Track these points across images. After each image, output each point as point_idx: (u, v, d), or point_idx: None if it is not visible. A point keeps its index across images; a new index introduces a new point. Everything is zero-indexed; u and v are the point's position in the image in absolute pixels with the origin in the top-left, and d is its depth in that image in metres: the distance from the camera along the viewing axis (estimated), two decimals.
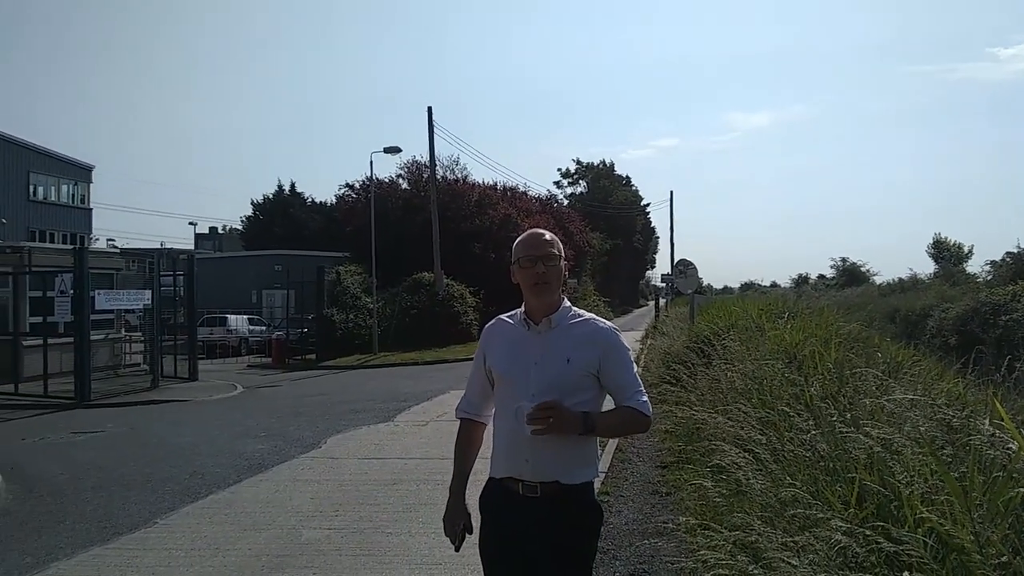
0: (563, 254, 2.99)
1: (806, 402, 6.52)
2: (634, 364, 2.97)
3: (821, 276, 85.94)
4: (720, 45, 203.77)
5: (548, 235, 2.99)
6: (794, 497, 4.53)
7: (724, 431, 6.55)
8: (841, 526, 3.84)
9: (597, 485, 7.76)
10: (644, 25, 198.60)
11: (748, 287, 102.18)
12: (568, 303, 3.00)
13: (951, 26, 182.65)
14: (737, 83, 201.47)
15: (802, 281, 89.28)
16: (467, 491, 3.11)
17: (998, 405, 4.27)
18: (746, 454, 5.57)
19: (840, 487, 4.54)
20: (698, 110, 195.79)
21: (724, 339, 11.46)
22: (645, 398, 2.88)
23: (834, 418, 5.23)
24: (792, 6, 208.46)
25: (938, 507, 3.53)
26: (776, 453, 5.50)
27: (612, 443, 10.06)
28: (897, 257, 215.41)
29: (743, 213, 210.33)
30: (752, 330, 11.84)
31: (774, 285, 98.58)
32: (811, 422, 5.46)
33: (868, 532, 3.58)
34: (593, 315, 3.01)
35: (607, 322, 3.00)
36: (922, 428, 4.61)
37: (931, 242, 63.92)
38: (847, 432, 4.74)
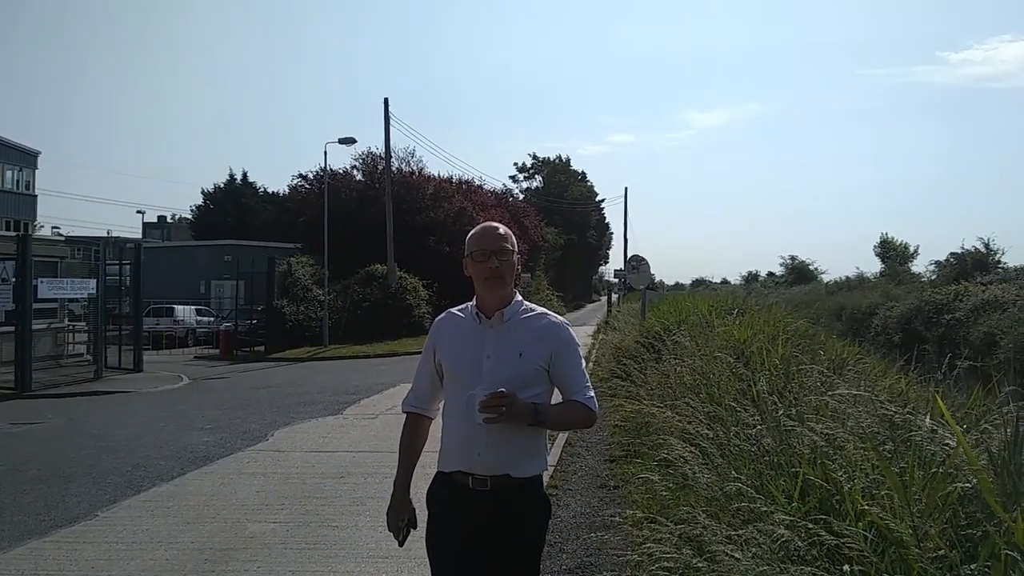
0: (516, 248, 2.97)
1: (753, 398, 6.59)
2: (583, 360, 2.96)
3: (771, 274, 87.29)
4: (676, 43, 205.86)
5: (502, 229, 2.96)
6: (739, 491, 4.57)
7: (672, 426, 6.60)
8: (784, 519, 3.88)
9: (546, 479, 7.77)
10: (602, 23, 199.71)
11: (699, 284, 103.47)
12: (520, 297, 2.99)
13: (905, 30, 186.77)
14: (693, 81, 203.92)
15: (752, 278, 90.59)
16: (412, 485, 3.08)
17: (940, 401, 4.37)
18: (693, 448, 5.61)
19: (784, 481, 4.60)
20: (654, 107, 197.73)
21: (674, 335, 11.56)
22: (592, 394, 2.90)
23: (780, 413, 5.30)
24: (749, 7, 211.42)
25: (879, 501, 3.59)
26: (722, 448, 5.55)
27: (562, 437, 10.08)
28: (845, 256, 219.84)
29: (696, 210, 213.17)
30: (702, 326, 11.97)
31: (724, 282, 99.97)
32: (757, 417, 5.53)
33: (810, 525, 3.63)
34: (545, 309, 3.00)
35: (559, 317, 3.00)
36: (864, 424, 4.68)
37: (878, 241, 65.15)
38: (792, 427, 4.80)
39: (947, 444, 3.84)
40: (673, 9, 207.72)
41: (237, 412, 13.50)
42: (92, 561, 5.84)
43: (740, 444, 5.33)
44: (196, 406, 14.62)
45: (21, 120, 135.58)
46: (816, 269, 74.91)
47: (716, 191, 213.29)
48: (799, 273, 74.15)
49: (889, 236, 64.64)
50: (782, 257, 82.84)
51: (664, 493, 5.42)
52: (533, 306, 2.99)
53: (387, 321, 31.80)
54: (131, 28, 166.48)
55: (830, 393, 5.50)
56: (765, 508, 4.14)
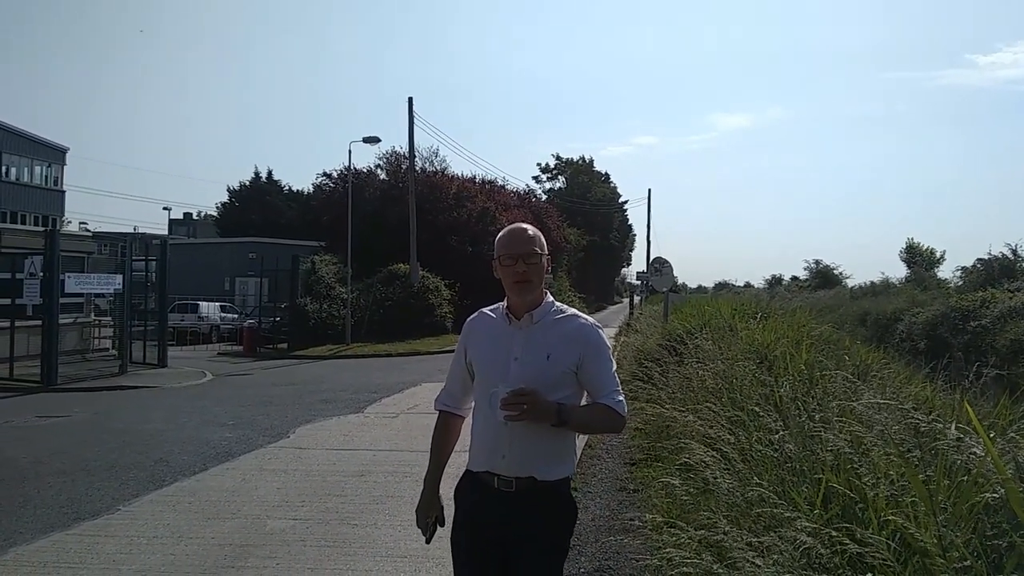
0: (546, 251, 2.93)
1: (775, 403, 6.54)
2: (613, 363, 2.92)
3: (794, 277, 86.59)
4: (701, 46, 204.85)
5: (531, 231, 2.92)
6: (760, 497, 4.53)
7: (694, 430, 6.55)
8: (806, 527, 3.84)
9: None
10: (627, 24, 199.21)
11: (722, 287, 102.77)
12: (551, 298, 2.96)
13: (932, 33, 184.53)
14: (717, 84, 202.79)
15: (775, 282, 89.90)
16: (442, 484, 3.07)
17: (969, 409, 4.30)
18: (714, 453, 5.57)
19: (806, 488, 4.56)
20: (678, 109, 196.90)
21: (697, 338, 11.49)
22: (622, 397, 2.85)
23: (803, 419, 5.25)
24: (775, 11, 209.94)
25: (903, 510, 3.54)
26: (744, 453, 5.51)
27: (582, 439, 10.05)
28: (870, 260, 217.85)
29: (719, 213, 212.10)
30: (725, 330, 11.89)
31: (748, 285, 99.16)
32: (780, 423, 5.48)
33: (833, 533, 3.58)
34: (577, 311, 2.96)
35: (590, 319, 2.96)
36: (890, 431, 4.63)
37: (904, 246, 64.46)
38: (817, 432, 4.75)
39: (974, 453, 3.78)
40: (697, 12, 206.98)
41: (259, 409, 13.58)
42: (113, 554, 5.88)
43: (762, 449, 5.28)
44: (219, 402, 14.72)
45: (49, 117, 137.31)
46: (840, 273, 74.29)
47: (739, 194, 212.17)
48: (823, 277, 73.55)
49: (915, 241, 63.94)
50: (806, 261, 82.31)
51: (685, 498, 5.38)
52: (564, 308, 2.95)
53: (409, 320, 31.87)
54: (159, 27, 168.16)
55: (855, 400, 5.45)
56: (787, 514, 4.09)
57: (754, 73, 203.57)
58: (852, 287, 61.70)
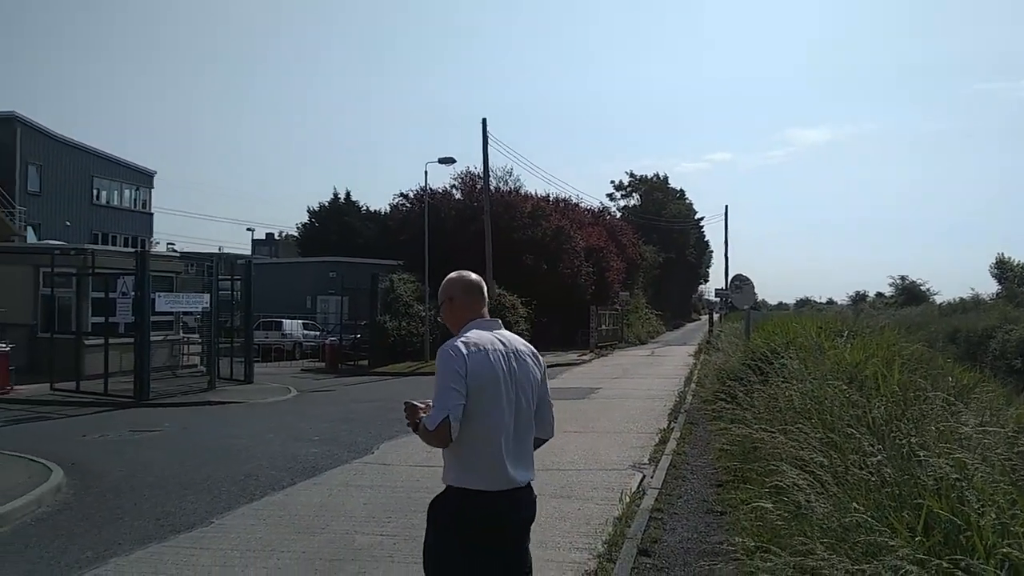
0: (442, 297, 3.58)
1: (868, 424, 6.37)
2: (441, 379, 3.19)
3: (879, 294, 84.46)
4: (776, 61, 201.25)
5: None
6: (858, 522, 4.41)
7: (784, 451, 6.41)
8: (909, 554, 3.72)
9: (649, 502, 7.68)
10: (700, 40, 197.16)
11: (803, 304, 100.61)
12: (464, 331, 3.38)
13: (1013, 44, 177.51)
14: (794, 99, 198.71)
15: (860, 299, 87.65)
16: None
17: None
18: (807, 476, 5.44)
19: (906, 514, 4.42)
20: (754, 124, 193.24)
21: (782, 357, 11.26)
22: (433, 414, 3.13)
23: (901, 441, 5.10)
24: (853, 24, 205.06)
25: (1015, 538, 3.41)
26: (838, 476, 5.37)
27: (665, 460, 9.95)
28: (958, 276, 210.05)
29: (799, 229, 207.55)
30: (811, 348, 11.62)
31: (830, 302, 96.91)
32: (879, 446, 5.32)
33: (944, 563, 3.46)
34: (456, 337, 3.33)
35: (449, 343, 3.30)
36: (994, 455, 4.46)
37: (994, 262, 62.19)
38: (921, 456, 4.60)
39: None
40: (770, 27, 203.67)
41: (343, 424, 13.80)
42: (208, 567, 6.04)
43: (858, 473, 5.13)
44: (304, 417, 15.01)
45: (137, 142, 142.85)
46: (928, 290, 72.16)
47: (820, 209, 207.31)
48: (910, 294, 71.54)
49: (1006, 256, 61.66)
50: (891, 277, 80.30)
51: (778, 522, 5.25)
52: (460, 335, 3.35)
53: None
54: (241, 55, 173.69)
55: (954, 422, 5.28)
56: (888, 541, 3.97)
57: (835, 86, 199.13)
58: (940, 304, 59.84)
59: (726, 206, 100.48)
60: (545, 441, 3.61)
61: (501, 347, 3.29)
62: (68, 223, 41.92)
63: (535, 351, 3.47)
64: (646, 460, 10.29)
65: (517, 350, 3.35)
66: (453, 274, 3.54)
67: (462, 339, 3.26)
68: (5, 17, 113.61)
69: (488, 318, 3.45)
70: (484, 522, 3.19)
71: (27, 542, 6.83)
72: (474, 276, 3.54)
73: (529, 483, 3.36)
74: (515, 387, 3.27)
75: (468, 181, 41.99)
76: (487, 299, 3.52)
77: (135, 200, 49.19)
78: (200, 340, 24.24)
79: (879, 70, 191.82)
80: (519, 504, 3.31)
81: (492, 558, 3.21)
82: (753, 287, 22.87)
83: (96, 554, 6.39)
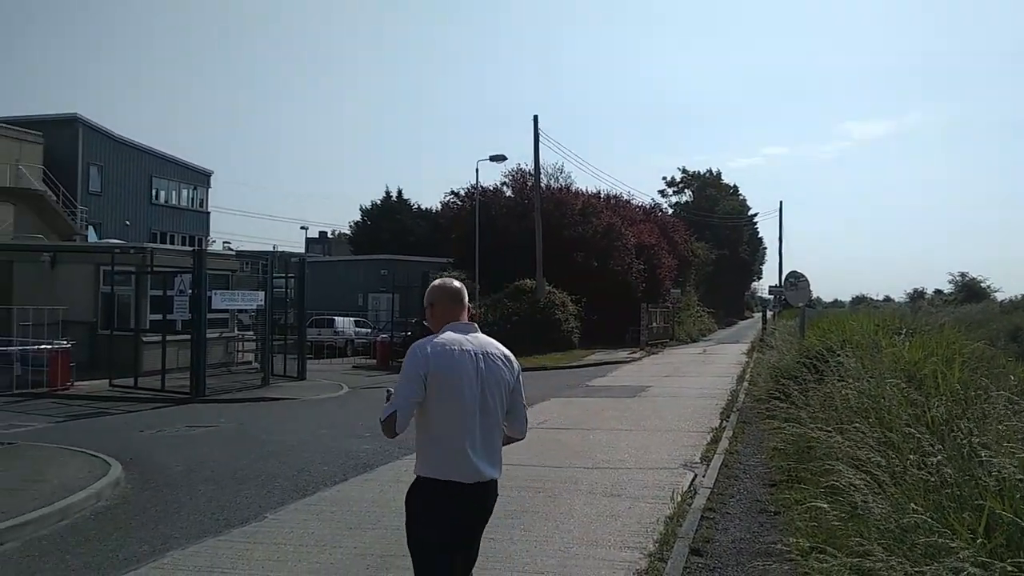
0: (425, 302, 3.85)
1: (927, 424, 6.22)
2: (401, 377, 3.53)
3: (938, 291, 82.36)
4: (831, 53, 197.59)
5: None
6: (917, 523, 4.30)
7: (840, 450, 6.29)
8: (970, 556, 3.62)
9: (701, 501, 7.60)
10: (751, 33, 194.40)
11: (859, 301, 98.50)
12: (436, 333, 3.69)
13: None
14: (851, 91, 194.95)
15: (918, 296, 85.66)
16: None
17: None
18: (864, 476, 5.32)
19: (967, 515, 4.30)
20: (808, 118, 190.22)
21: (838, 355, 11.05)
22: (385, 407, 3.50)
23: (961, 441, 4.96)
24: (910, 12, 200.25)
25: None
26: (896, 476, 5.25)
27: (717, 459, 9.85)
28: (1019, 273, 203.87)
29: (855, 224, 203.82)
30: (868, 346, 11.39)
31: (887, 299, 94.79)
32: (939, 445, 5.18)
33: (1008, 567, 3.36)
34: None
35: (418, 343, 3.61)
36: None
37: None
38: (983, 456, 4.47)
39: None
40: (824, 19, 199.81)
41: None
42: (262, 561, 6.13)
43: (916, 473, 5.01)
44: (356, 414, 15.16)
45: (194, 142, 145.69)
46: (988, 287, 70.22)
47: (877, 204, 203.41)
48: (970, 291, 69.67)
49: None
50: (951, 274, 78.34)
51: (835, 523, 5.15)
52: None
53: (535, 335, 32.00)
54: (292, 55, 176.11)
55: (1018, 422, 5.12)
56: (948, 543, 3.87)
57: (893, 77, 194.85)
58: (1001, 301, 58.17)
59: (780, 202, 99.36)
60: (516, 440, 3.89)
61: (470, 348, 3.57)
62: (128, 222, 43.01)
63: (508, 355, 3.75)
64: (698, 459, 10.19)
65: (487, 352, 3.63)
66: (437, 281, 3.91)
67: (431, 340, 3.57)
68: (68, 23, 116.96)
69: (465, 322, 3.74)
70: (447, 509, 3.47)
71: (87, 535, 7.01)
72: (456, 285, 3.85)
73: (494, 479, 3.59)
74: (481, 385, 3.53)
75: (519, 178, 42.03)
76: (467, 306, 3.83)
77: (192, 199, 50.18)
78: (254, 337, 24.63)
79: (937, 60, 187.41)
80: (480, 496, 3.54)
81: (456, 541, 3.55)
82: (808, 284, 22.50)
83: (153, 548, 6.53)
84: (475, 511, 3.57)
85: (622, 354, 32.57)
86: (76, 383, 18.68)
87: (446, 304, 3.77)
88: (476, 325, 3.75)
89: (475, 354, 3.56)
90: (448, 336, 3.58)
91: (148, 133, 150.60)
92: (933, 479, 4.84)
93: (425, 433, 3.53)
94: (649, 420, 13.99)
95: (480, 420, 3.51)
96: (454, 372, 3.47)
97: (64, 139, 39.41)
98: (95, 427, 13.74)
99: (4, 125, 36.63)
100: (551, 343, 32.11)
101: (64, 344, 18.55)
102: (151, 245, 25.99)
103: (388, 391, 3.58)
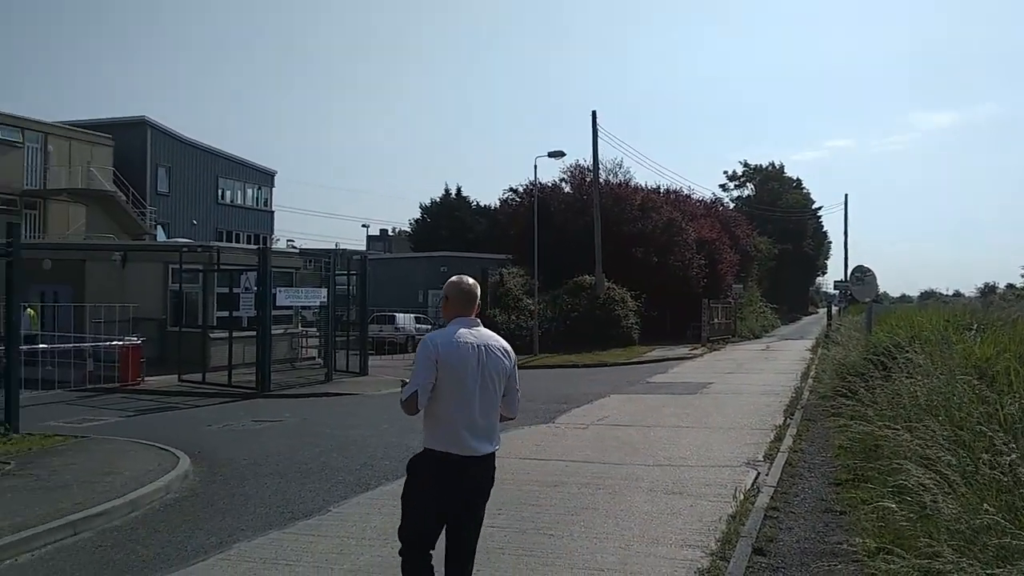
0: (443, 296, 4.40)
1: (1000, 422, 6.03)
2: (417, 363, 4.17)
3: (1010, 286, 79.69)
4: (898, 42, 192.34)
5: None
6: (989, 525, 4.19)
7: (908, 449, 6.14)
8: None
9: (764, 500, 7.50)
10: (814, 23, 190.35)
11: (928, 296, 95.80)
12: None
13: None
14: (918, 81, 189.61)
15: (989, 290, 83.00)
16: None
17: None
18: (934, 475, 5.19)
19: None
20: (874, 109, 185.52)
21: (906, 351, 10.77)
22: (406, 388, 4.19)
23: None
24: (980, 2, 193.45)
25: None
26: (967, 476, 5.11)
27: (781, 457, 9.70)
28: None
29: (924, 218, 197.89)
30: (937, 342, 11.08)
31: (957, 294, 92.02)
32: (1013, 444, 5.02)
33: None
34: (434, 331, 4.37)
35: (426, 336, 4.30)
36: None
37: None
38: None
39: None
40: (889, 5, 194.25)
41: None
42: (326, 553, 6.24)
43: (989, 472, 4.87)
44: None
45: (259, 143, 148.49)
46: None
47: (946, 197, 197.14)
48: None
49: None
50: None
51: (903, 523, 5.03)
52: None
53: (595, 331, 31.92)
54: (352, 55, 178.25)
55: None
56: (1023, 545, 3.76)
57: (962, 66, 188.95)
58: None
59: (846, 195, 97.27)
60: (510, 419, 4.58)
61: (474, 340, 4.14)
62: (195, 222, 44.12)
63: (506, 347, 4.33)
64: (761, 457, 10.04)
65: (488, 344, 4.19)
66: (454, 278, 4.37)
67: (440, 333, 4.20)
68: (136, 28, 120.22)
69: (471, 318, 4.26)
70: (446, 477, 4.16)
71: (156, 527, 7.21)
72: (469, 284, 4.33)
73: (491, 453, 4.27)
74: (482, 373, 4.11)
75: (577, 174, 41.86)
76: (476, 303, 4.33)
77: (257, 199, 51.23)
78: (318, 333, 25.01)
79: (1009, 46, 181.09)
80: (476, 468, 4.23)
81: (447, 506, 4.29)
82: (875, 279, 21.96)
83: (220, 540, 6.69)
84: (464, 479, 4.20)
85: (683, 350, 32.28)
86: (146, 378, 19.26)
87: (459, 300, 4.28)
88: (479, 320, 4.31)
89: (477, 346, 4.13)
90: (455, 330, 4.16)
91: (213, 135, 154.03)
92: (1006, 479, 4.70)
93: (432, 413, 4.16)
94: (711, 417, 13.84)
95: (479, 403, 4.12)
96: (459, 362, 4.06)
97: (133, 141, 40.59)
98: (164, 421, 14.14)
99: (76, 129, 37.87)
100: (611, 339, 31.95)
101: (135, 340, 19.13)
102: (218, 244, 26.60)
103: (403, 381, 4.24)
